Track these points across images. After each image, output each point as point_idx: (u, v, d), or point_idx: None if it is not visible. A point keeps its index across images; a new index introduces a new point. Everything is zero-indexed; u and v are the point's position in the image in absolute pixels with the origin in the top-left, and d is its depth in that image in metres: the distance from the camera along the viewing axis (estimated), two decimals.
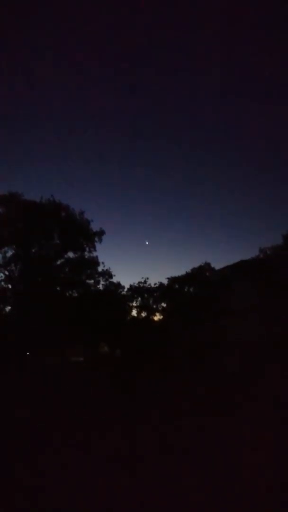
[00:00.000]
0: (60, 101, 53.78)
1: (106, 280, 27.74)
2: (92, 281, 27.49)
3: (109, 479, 5.46)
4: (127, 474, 5.67)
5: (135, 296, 28.57)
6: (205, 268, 28.22)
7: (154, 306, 28.58)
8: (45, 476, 5.58)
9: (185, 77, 53.11)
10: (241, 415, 9.43)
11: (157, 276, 47.52)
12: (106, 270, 27.73)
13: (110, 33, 47.10)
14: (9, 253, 25.34)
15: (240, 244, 63.25)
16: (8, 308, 26.30)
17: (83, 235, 26.45)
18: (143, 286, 28.71)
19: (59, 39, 46.46)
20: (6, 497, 4.90)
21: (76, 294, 26.99)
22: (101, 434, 7.89)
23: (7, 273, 25.51)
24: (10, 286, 25.72)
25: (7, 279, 25.32)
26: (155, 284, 28.85)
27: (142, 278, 29.38)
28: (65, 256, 26.75)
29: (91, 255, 27.06)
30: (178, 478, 5.49)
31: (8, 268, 25.35)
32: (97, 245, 27.00)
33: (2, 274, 25.38)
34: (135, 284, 28.92)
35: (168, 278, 28.68)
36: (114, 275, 27.91)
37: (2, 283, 25.46)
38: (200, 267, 28.48)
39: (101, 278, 27.69)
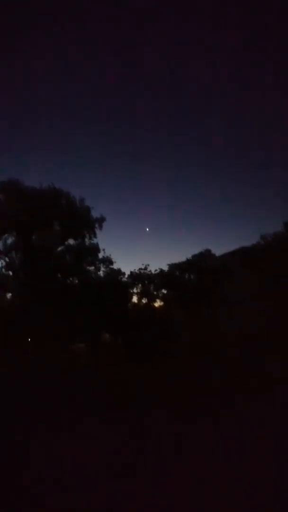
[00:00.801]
0: (60, 88, 52.82)
1: (107, 267, 27.72)
2: (92, 268, 27.49)
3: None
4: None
5: (136, 282, 28.55)
6: (205, 254, 28.16)
7: (155, 293, 28.60)
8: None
9: (187, 62, 52.09)
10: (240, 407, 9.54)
11: (158, 262, 47.61)
12: (107, 257, 27.68)
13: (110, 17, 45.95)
14: (10, 240, 25.31)
15: (241, 231, 63.03)
16: (9, 295, 26.35)
17: (84, 222, 26.32)
18: (144, 273, 28.68)
19: (61, 27, 45.35)
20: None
21: (76, 281, 26.97)
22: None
23: (7, 260, 25.47)
24: (11, 273, 25.72)
25: (8, 266, 25.29)
26: (155, 270, 28.83)
27: (143, 264, 29.33)
28: (66, 243, 26.71)
29: (92, 242, 27.02)
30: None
31: (9, 256, 25.30)
32: (98, 232, 26.94)
33: (3, 261, 25.36)
34: (136, 271, 28.88)
35: (168, 265, 28.67)
36: (115, 262, 27.89)
37: (3, 270, 25.45)
38: (201, 253, 28.42)
39: (101, 265, 27.67)
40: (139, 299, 28.77)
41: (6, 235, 25.08)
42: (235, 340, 20.71)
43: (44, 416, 9.23)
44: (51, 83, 53.45)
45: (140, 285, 28.70)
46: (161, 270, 28.56)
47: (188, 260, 28.28)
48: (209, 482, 5.34)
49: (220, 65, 51.45)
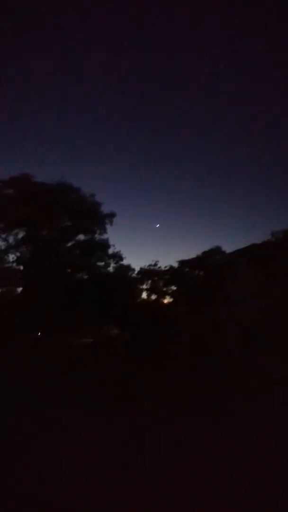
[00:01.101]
0: (71, 81, 52.91)
1: (116, 262, 27.74)
2: (102, 263, 27.58)
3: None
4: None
5: (145, 279, 28.54)
6: (215, 251, 27.99)
7: (164, 289, 28.55)
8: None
9: (203, 54, 51.57)
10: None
11: (167, 259, 47.38)
12: (116, 252, 27.70)
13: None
14: (20, 235, 25.59)
15: (251, 228, 62.23)
16: (19, 289, 26.65)
17: (94, 218, 26.43)
18: (153, 269, 28.63)
19: (67, 19, 45.41)
20: None
21: (86, 277, 27.11)
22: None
23: (18, 254, 25.78)
24: (21, 268, 26.01)
25: (18, 261, 25.58)
26: (165, 267, 28.76)
27: (152, 261, 29.27)
28: (75, 238, 26.88)
29: (101, 237, 27.11)
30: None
31: (19, 250, 25.61)
32: (108, 227, 27.03)
33: (13, 256, 25.66)
34: (145, 267, 28.85)
35: (178, 261, 28.57)
36: (125, 258, 27.89)
37: (13, 264, 25.74)
38: (211, 250, 28.25)
39: (111, 261, 27.70)
40: (148, 295, 28.78)
41: (16, 229, 25.38)
42: (244, 338, 20.55)
43: (46, 412, 9.29)
44: (64, 77, 53.54)
45: (149, 281, 28.68)
46: (171, 267, 28.50)
47: (197, 257, 28.12)
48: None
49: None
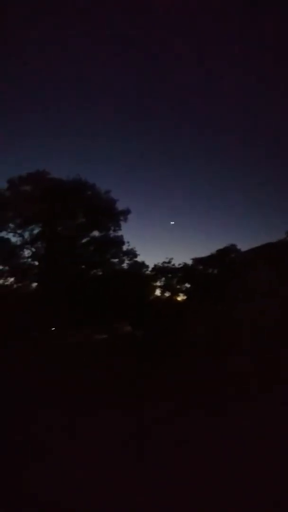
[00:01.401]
0: (86, 78, 52.96)
1: (131, 259, 27.80)
2: (116, 260, 27.69)
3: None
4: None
5: (159, 276, 28.50)
6: (230, 250, 27.80)
7: (178, 287, 28.49)
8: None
9: (219, 52, 51.09)
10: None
11: (182, 256, 47.21)
12: (131, 249, 27.75)
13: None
14: (36, 231, 25.86)
15: (266, 227, 61.57)
16: (34, 285, 26.92)
17: (108, 214, 26.54)
18: (167, 266, 28.55)
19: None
20: None
21: (100, 273, 27.26)
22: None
23: (33, 250, 26.06)
24: (36, 263, 26.29)
25: (33, 256, 25.86)
26: (179, 264, 28.64)
27: (167, 258, 29.17)
28: (90, 235, 27.04)
29: (116, 234, 27.24)
30: None
31: (35, 246, 25.88)
32: (122, 224, 27.13)
33: (29, 251, 25.95)
34: (159, 264, 28.78)
35: (192, 259, 28.46)
36: (139, 255, 27.93)
37: (29, 260, 26.03)
38: (225, 248, 28.07)
39: (125, 258, 27.79)
40: (162, 293, 28.76)
41: (32, 225, 25.66)
42: (257, 337, 20.42)
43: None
44: (78, 71, 53.58)
45: (163, 278, 28.64)
46: (185, 264, 28.39)
47: (212, 255, 27.97)
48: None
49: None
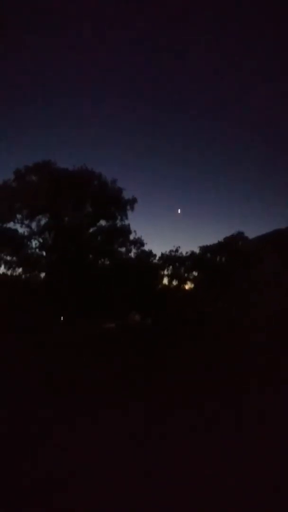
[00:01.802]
0: (89, 67, 52.40)
1: (138, 248, 27.71)
2: (123, 249, 27.63)
3: None
4: None
5: (167, 264, 28.43)
6: (238, 237, 27.63)
7: (186, 275, 28.41)
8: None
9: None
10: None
11: (189, 245, 47.08)
12: (138, 238, 27.62)
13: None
14: (43, 221, 25.85)
15: (275, 213, 61.19)
16: (42, 275, 27.02)
17: (115, 204, 26.43)
18: (175, 255, 28.45)
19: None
20: None
21: (108, 262, 27.27)
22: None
23: (41, 240, 26.10)
24: (44, 254, 26.36)
25: (41, 246, 25.91)
26: (186, 253, 28.55)
27: (174, 246, 29.06)
28: (97, 224, 27.00)
29: (123, 223, 27.11)
30: None
31: (42, 236, 25.91)
32: (129, 213, 27.01)
33: (36, 242, 26.00)
34: (167, 253, 28.70)
35: (200, 247, 28.34)
36: (146, 243, 27.83)
37: (36, 250, 26.10)
38: (233, 236, 27.91)
39: (132, 247, 27.70)
40: (170, 281, 28.71)
41: (39, 216, 25.64)
42: (265, 325, 20.41)
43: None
44: (83, 60, 52.98)
45: (170, 267, 28.57)
46: (192, 253, 28.28)
47: (219, 243, 27.83)
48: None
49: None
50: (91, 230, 26.89)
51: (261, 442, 6.29)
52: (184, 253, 28.48)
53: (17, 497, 4.94)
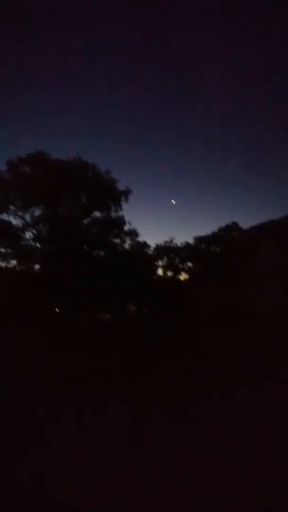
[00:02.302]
0: (83, 57, 51.69)
1: (133, 239, 27.69)
2: (118, 240, 27.58)
3: None
4: None
5: (161, 255, 28.48)
6: (232, 228, 27.72)
7: (181, 266, 28.52)
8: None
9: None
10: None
11: (184, 235, 47.17)
12: (132, 229, 27.60)
13: None
14: (37, 213, 25.67)
15: (269, 203, 61.33)
16: (37, 267, 26.89)
17: (110, 195, 26.30)
18: (170, 246, 28.52)
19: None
20: None
21: (103, 254, 27.22)
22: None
23: (35, 232, 25.93)
24: (38, 245, 26.19)
25: (35, 238, 25.74)
26: (181, 243, 28.61)
27: (169, 237, 29.13)
28: (92, 215, 26.89)
29: (118, 214, 27.05)
30: None
31: (37, 228, 25.74)
32: (124, 204, 26.92)
33: (30, 234, 25.83)
34: (161, 244, 28.74)
35: (194, 238, 28.39)
36: (140, 235, 27.82)
37: (31, 242, 25.92)
38: (227, 226, 27.99)
39: (127, 238, 27.68)
40: (164, 272, 28.78)
41: (33, 207, 25.44)
42: (260, 316, 20.57)
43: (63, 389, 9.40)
44: (77, 52, 52.28)
45: (165, 258, 28.63)
46: (187, 243, 28.35)
47: (214, 233, 27.91)
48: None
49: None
50: (85, 221, 26.80)
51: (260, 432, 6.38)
52: (179, 244, 28.62)
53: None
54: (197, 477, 4.68)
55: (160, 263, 28.69)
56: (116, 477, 4.81)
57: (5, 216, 25.20)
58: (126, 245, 27.68)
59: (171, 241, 28.65)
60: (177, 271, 28.66)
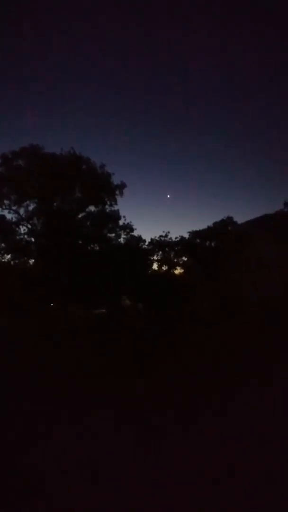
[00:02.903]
0: (80, 52, 51.20)
1: (127, 234, 27.65)
2: (113, 234, 27.51)
3: None
4: None
5: (156, 250, 28.47)
6: (227, 222, 27.71)
7: (175, 260, 28.54)
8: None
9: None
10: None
11: (179, 230, 47.20)
12: (127, 223, 27.57)
13: None
14: (31, 207, 25.49)
15: (263, 198, 61.63)
16: (31, 261, 26.77)
17: (104, 189, 26.16)
18: (164, 240, 28.50)
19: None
20: None
21: (97, 248, 27.14)
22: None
23: (29, 226, 25.74)
24: (33, 240, 26.03)
25: (30, 232, 25.56)
26: (176, 238, 28.61)
27: (163, 232, 29.12)
28: (86, 209, 26.75)
29: (112, 208, 26.97)
30: None
31: (31, 222, 25.56)
32: (118, 198, 26.83)
33: (25, 228, 25.65)
34: (156, 238, 28.72)
35: (189, 232, 28.38)
36: (135, 229, 27.78)
37: (25, 236, 25.75)
38: (222, 221, 27.97)
39: (122, 232, 27.63)
40: (159, 266, 28.79)
41: (27, 201, 25.23)
42: (256, 307, 20.70)
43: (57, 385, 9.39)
44: (75, 46, 51.77)
45: (160, 252, 28.62)
46: (182, 238, 28.34)
47: (209, 228, 27.88)
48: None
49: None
50: (80, 215, 26.67)
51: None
52: (173, 238, 28.60)
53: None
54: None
55: (155, 257, 28.70)
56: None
57: None
58: (121, 240, 27.68)
59: (166, 236, 28.64)
60: (172, 265, 28.69)
